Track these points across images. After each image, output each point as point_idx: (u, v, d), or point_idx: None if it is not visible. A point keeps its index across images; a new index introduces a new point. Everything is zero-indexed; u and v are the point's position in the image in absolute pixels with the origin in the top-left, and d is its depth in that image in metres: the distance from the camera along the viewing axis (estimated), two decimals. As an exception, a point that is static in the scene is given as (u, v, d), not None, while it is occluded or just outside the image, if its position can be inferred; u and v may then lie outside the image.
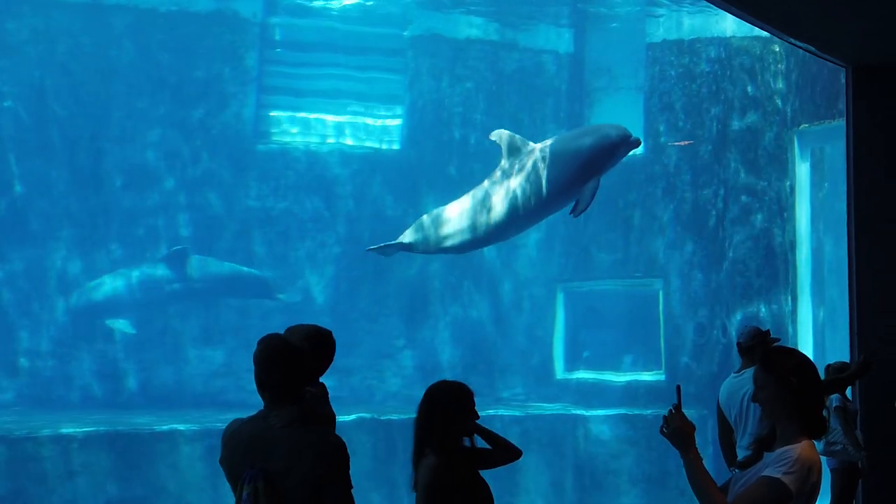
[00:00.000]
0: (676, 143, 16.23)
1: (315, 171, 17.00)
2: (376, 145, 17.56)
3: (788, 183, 14.96)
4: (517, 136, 11.87)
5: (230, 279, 16.10)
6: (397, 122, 17.60)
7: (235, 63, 16.78)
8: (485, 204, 11.55)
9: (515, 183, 11.32)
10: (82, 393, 15.87)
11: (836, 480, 8.36)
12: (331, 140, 17.43)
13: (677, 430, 3.83)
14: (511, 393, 16.90)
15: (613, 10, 17.54)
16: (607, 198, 16.51)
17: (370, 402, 16.24)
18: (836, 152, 13.64)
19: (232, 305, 16.45)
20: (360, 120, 17.58)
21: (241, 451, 3.92)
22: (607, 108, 17.30)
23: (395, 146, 17.56)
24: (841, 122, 9.04)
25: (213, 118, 16.69)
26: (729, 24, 15.46)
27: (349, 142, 17.48)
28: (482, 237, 11.80)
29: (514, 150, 11.61)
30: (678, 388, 4.02)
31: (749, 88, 15.44)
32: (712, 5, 6.38)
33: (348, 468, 3.87)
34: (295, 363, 3.96)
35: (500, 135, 11.87)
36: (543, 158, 11.30)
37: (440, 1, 17.28)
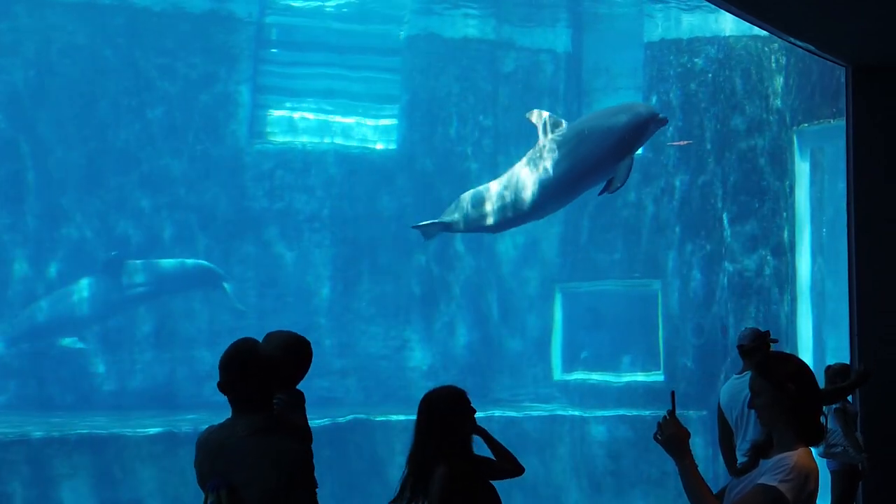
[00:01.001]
0: (675, 143, 16.18)
1: (311, 171, 16.94)
2: (372, 145, 17.51)
3: (788, 182, 14.92)
4: (552, 114, 12.07)
5: (177, 275, 16.01)
6: (393, 121, 17.54)
7: (230, 63, 16.72)
8: (521, 182, 11.75)
9: (551, 161, 11.54)
10: (76, 394, 15.78)
11: (836, 482, 8.32)
12: (327, 140, 17.38)
13: (672, 436, 3.80)
14: (509, 394, 16.85)
15: (611, 9, 17.49)
16: (605, 198, 16.45)
17: (367, 403, 16.19)
18: (836, 152, 13.59)
19: (226, 306, 16.36)
20: (357, 120, 17.54)
21: (209, 459, 3.89)
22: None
23: (392, 146, 17.50)
24: (841, 122, 9.00)
25: (209, 118, 16.62)
26: (728, 24, 15.41)
27: (345, 142, 17.43)
28: (519, 215, 12.05)
29: (549, 129, 11.81)
30: (672, 393, 4.02)
31: (748, 88, 15.39)
32: (711, 4, 6.32)
33: (310, 476, 3.80)
34: (260, 372, 3.86)
35: (536, 114, 12.07)
36: (578, 136, 11.51)
37: (436, 0, 17.22)
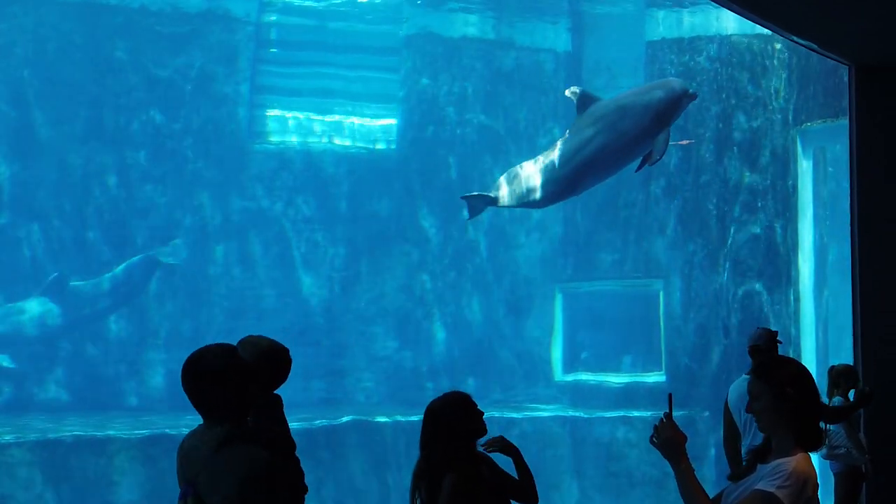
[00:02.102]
0: (677, 143, 16.12)
1: (310, 171, 16.89)
2: (371, 145, 17.45)
3: (791, 182, 14.86)
4: (590, 92, 12.37)
5: (127, 280, 15.84)
6: (392, 121, 17.48)
7: (229, 62, 16.66)
8: (563, 157, 12.05)
9: (590, 136, 11.83)
10: (71, 395, 15.71)
11: (839, 484, 8.28)
12: (325, 140, 17.32)
13: (668, 439, 3.76)
14: (509, 395, 16.78)
15: (612, 8, 17.42)
16: (606, 197, 16.43)
17: (366, 404, 16.13)
18: (839, 151, 13.54)
19: (224, 307, 16.30)
20: (355, 119, 17.48)
21: (180, 464, 3.86)
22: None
23: (391, 146, 17.44)
24: (844, 121, 8.97)
25: (207, 118, 16.56)
26: (730, 22, 15.35)
27: (344, 142, 17.37)
28: (561, 190, 12.39)
29: (587, 105, 12.11)
30: (670, 396, 3.97)
31: (750, 87, 15.35)
32: (714, 2, 6.28)
33: (270, 486, 3.70)
34: (221, 382, 3.73)
35: (575, 91, 12.38)
36: (616, 112, 11.81)
37: (435, -1, 17.19)
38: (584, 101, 12.21)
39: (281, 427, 4.46)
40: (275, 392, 4.57)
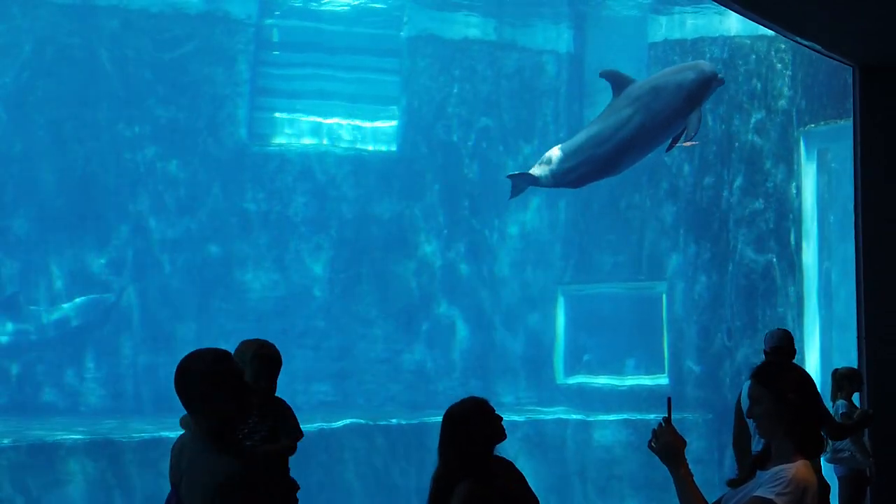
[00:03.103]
0: (681, 144, 16.06)
1: (310, 174, 16.83)
2: (372, 147, 17.39)
3: (794, 184, 14.80)
4: (624, 73, 12.72)
5: (79, 315, 15.58)
6: (393, 123, 17.42)
7: (229, 64, 16.60)
8: (600, 138, 12.42)
9: (628, 116, 12.20)
10: (72, 399, 15.66)
11: (843, 488, 8.24)
12: (326, 142, 17.28)
13: (667, 444, 3.69)
14: (511, 398, 16.71)
15: (615, 9, 17.35)
16: (609, 199, 16.37)
17: (367, 407, 16.06)
18: (843, 152, 13.49)
19: (224, 309, 16.23)
20: (356, 122, 17.43)
21: (171, 468, 3.87)
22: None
23: (392, 148, 17.38)
24: (848, 122, 8.95)
25: (207, 120, 16.51)
26: (733, 23, 15.31)
27: (344, 144, 17.32)
28: (599, 170, 12.70)
29: (622, 87, 12.48)
30: (669, 400, 3.90)
31: (754, 88, 15.27)
32: (717, 4, 6.24)
33: (246, 499, 3.63)
34: (214, 386, 3.67)
35: (609, 73, 12.79)
36: (650, 92, 12.18)
37: (437, 0, 17.07)
38: (619, 82, 12.51)
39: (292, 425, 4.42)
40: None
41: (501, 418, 4.60)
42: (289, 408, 5.53)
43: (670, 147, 12.41)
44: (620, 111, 12.32)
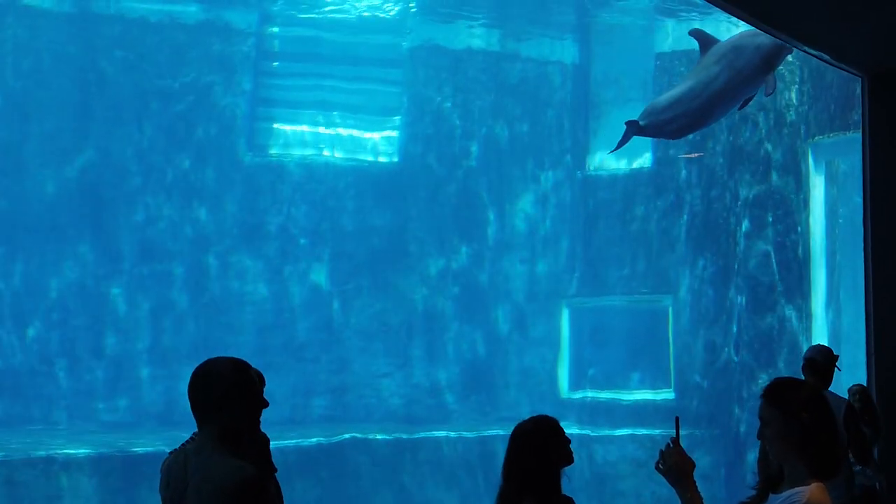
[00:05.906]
0: (686, 155, 15.99)
1: (310, 184, 16.71)
2: (373, 158, 17.27)
3: (802, 196, 14.70)
4: (710, 34, 13.32)
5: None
6: (395, 134, 17.29)
7: (229, 74, 16.49)
8: (694, 92, 13.12)
9: (717, 73, 12.86)
10: (68, 412, 15.52)
11: (854, 506, 8.03)
12: (326, 153, 17.16)
13: (675, 465, 3.57)
14: (514, 412, 16.50)
15: (621, 20, 17.24)
16: (614, 212, 16.22)
17: (367, 420, 15.90)
18: (852, 164, 13.39)
19: (222, 322, 16.09)
20: (357, 132, 17.31)
21: (167, 481, 3.77)
22: (615, 120, 17.00)
23: (394, 159, 17.25)
24: (856, 134, 8.88)
25: (207, 130, 16.39)
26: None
27: (346, 154, 17.19)
28: (692, 122, 13.33)
29: (708, 45, 13.17)
30: (677, 420, 3.76)
31: (762, 99, 15.15)
32: (724, 13, 6.15)
33: (258, 501, 3.60)
34: (233, 393, 3.66)
35: (696, 32, 13.47)
36: (733, 51, 12.77)
37: (440, 10, 16.95)
38: (705, 41, 13.15)
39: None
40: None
41: (570, 441, 4.44)
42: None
43: (742, 106, 12.95)
44: (709, 68, 12.96)
